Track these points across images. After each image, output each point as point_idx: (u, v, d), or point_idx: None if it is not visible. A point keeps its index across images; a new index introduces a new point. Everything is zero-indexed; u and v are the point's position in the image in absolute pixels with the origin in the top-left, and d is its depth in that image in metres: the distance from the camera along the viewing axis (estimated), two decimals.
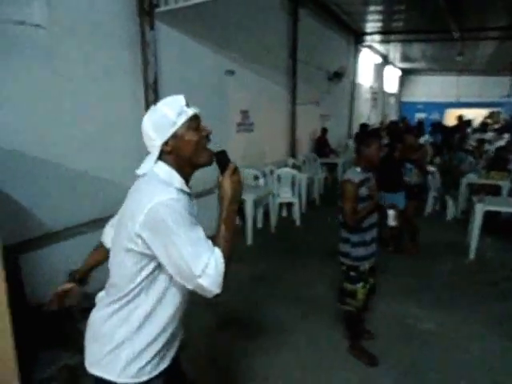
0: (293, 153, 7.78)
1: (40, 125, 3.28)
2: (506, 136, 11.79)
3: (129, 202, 1.23)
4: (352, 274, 2.64)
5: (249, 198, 4.94)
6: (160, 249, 1.14)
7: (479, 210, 4.44)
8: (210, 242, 1.17)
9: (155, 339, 1.26)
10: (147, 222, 1.12)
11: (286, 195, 5.93)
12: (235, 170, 1.26)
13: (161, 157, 1.24)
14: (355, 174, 2.55)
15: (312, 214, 6.45)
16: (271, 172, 6.12)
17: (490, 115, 17.36)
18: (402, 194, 4.61)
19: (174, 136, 1.22)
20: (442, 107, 17.80)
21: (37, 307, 3.22)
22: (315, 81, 8.77)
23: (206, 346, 2.92)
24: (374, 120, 13.79)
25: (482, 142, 8.36)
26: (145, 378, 1.26)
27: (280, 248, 4.99)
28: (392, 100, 17.96)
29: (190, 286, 1.16)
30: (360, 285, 2.65)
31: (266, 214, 5.68)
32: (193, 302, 1.37)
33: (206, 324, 3.18)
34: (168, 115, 1.21)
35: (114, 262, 1.28)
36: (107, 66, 3.81)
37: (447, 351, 2.90)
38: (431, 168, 6.17)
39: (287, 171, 5.92)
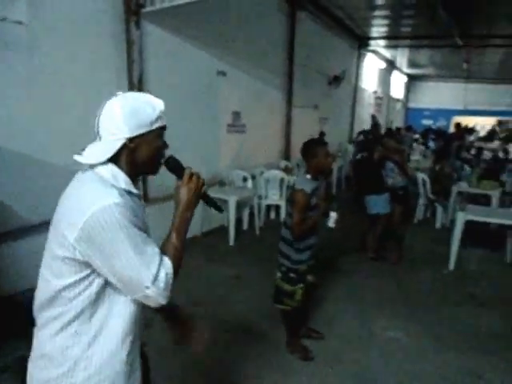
0: (287, 155, 7.78)
1: (22, 120, 3.33)
2: None
3: (65, 205, 1.12)
4: (292, 275, 2.65)
5: (232, 199, 4.96)
6: (100, 259, 1.06)
7: (460, 218, 4.39)
8: (157, 249, 1.11)
9: (113, 354, 1.16)
10: (87, 231, 1.03)
11: (273, 197, 5.94)
12: (191, 176, 1.22)
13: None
14: (307, 183, 2.54)
15: None
16: (261, 174, 6.13)
17: (498, 123, 17.10)
18: (386, 198, 4.58)
19: (141, 136, 1.15)
20: (449, 114, 17.57)
21: (8, 297, 3.31)
22: (314, 84, 8.75)
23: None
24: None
25: (480, 150, 8.26)
26: None
27: (260, 250, 4.99)
28: (398, 106, 17.80)
29: (134, 296, 1.10)
30: (299, 286, 2.66)
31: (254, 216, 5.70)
32: None
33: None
34: (149, 114, 1.15)
35: (47, 273, 1.14)
36: (91, 64, 3.86)
37: (406, 361, 2.88)
38: (420, 174, 6.13)
39: (275, 173, 5.93)
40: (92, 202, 1.04)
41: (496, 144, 12.53)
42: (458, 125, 8.92)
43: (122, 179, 1.14)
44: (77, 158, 1.14)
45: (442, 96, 17.84)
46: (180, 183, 1.22)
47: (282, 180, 5.88)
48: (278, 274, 2.72)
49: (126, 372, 1.19)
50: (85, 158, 1.14)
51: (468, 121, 15.21)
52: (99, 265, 1.07)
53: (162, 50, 4.66)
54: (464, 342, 3.11)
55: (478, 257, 4.97)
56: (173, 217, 1.20)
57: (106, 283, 1.12)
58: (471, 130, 11.65)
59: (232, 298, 3.71)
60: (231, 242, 5.09)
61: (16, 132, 3.31)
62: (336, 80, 9.59)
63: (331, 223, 2.63)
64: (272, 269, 2.87)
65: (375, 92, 13.67)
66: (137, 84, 4.27)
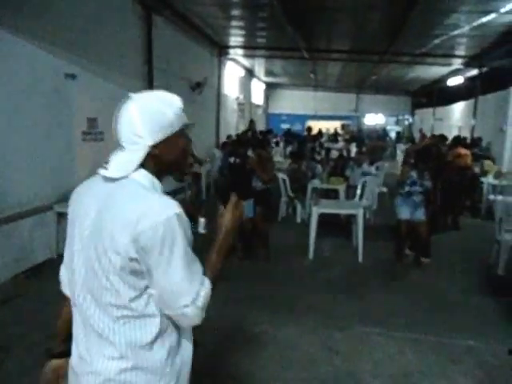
0: None
1: None
2: (354, 145, 13.56)
3: (110, 214, 1.02)
4: None
5: None
6: (156, 269, 1.02)
7: (315, 212, 4.92)
8: (201, 268, 1.10)
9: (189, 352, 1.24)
10: (152, 240, 0.99)
11: None
12: (238, 204, 1.27)
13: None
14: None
15: None
16: None
17: (342, 127, 19.78)
18: (252, 202, 4.83)
19: (166, 139, 1.09)
20: (303, 119, 19.60)
21: None
22: (177, 89, 8.45)
23: None
24: (241, 130, 14.36)
25: (328, 150, 9.39)
26: None
27: None
28: (259, 111, 19.01)
29: (170, 313, 1.07)
30: None
31: None
32: None
33: None
34: (167, 115, 1.08)
35: (93, 300, 1.07)
36: None
37: (276, 351, 3.07)
38: (280, 174, 6.66)
39: None
40: (156, 213, 1.00)
41: (341, 144, 14.43)
42: (309, 128, 9.99)
43: (160, 187, 1.12)
44: (103, 172, 1.08)
45: (296, 102, 19.81)
46: (224, 209, 1.27)
47: None
48: None
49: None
50: (111, 172, 1.07)
51: (318, 125, 17.18)
52: (153, 274, 1.02)
53: None
54: (321, 324, 3.47)
55: (332, 245, 5.62)
56: (216, 239, 1.23)
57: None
58: (320, 133, 13.23)
59: None
60: None
61: None
62: (198, 86, 9.70)
63: (201, 229, 2.64)
64: None
65: (238, 98, 14.31)
66: None
